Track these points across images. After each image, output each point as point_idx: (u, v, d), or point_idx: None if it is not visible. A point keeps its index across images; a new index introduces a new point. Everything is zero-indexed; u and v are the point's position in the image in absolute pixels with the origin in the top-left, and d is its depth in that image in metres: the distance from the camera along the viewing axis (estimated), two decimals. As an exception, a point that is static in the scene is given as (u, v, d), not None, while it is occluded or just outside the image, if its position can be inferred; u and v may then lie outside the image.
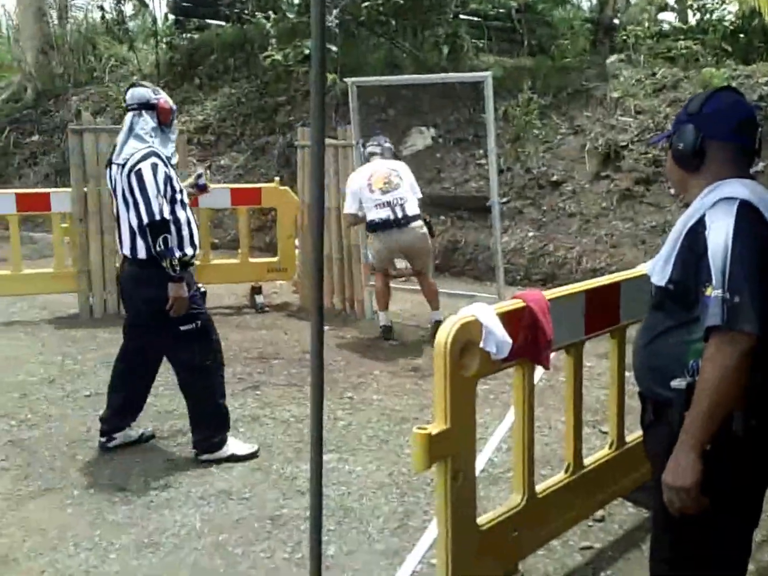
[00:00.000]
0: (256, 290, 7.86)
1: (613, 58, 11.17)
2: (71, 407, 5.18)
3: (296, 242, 7.91)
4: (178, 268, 4.16)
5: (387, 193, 6.41)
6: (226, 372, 5.74)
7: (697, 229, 2.15)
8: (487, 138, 6.95)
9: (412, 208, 6.44)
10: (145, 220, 4.15)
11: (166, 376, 4.88)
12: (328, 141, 7.49)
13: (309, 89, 12.57)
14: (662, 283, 2.25)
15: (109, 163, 4.39)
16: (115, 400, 4.57)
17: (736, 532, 2.24)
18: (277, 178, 8.34)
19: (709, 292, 2.06)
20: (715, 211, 2.13)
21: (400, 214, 6.37)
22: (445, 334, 2.58)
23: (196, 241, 4.41)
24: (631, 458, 3.43)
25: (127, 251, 4.32)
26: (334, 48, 10.53)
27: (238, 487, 4.11)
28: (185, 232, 4.29)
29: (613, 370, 3.48)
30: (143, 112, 4.28)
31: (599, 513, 3.69)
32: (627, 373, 3.51)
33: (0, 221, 8.65)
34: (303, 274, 7.66)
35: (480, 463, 4.20)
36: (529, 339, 2.85)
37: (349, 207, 6.59)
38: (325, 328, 7.05)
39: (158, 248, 4.13)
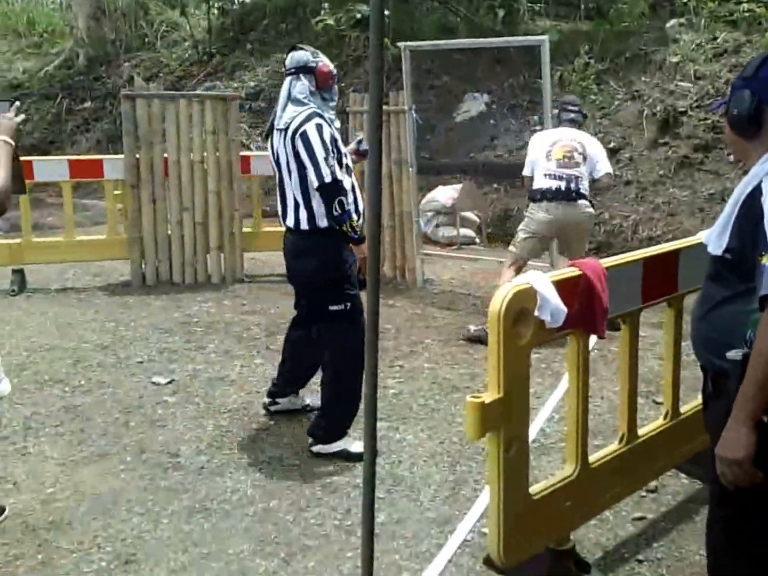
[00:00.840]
0: None
1: (672, 21, 10.84)
2: (124, 374, 5.24)
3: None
4: (358, 230, 3.97)
5: (563, 167, 5.85)
6: (277, 340, 5.81)
7: (755, 196, 2.07)
8: (543, 104, 6.80)
9: (585, 188, 5.93)
10: (316, 183, 3.91)
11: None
12: (380, 107, 7.41)
13: (360, 54, 12.54)
14: (719, 252, 2.17)
15: (270, 131, 4.18)
16: (284, 366, 4.54)
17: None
18: None
19: (765, 260, 1.99)
20: None
21: (572, 187, 5.83)
22: (499, 302, 2.54)
23: (361, 209, 4.13)
24: (685, 429, 3.37)
25: (290, 222, 4.08)
26: (386, 12, 10.40)
27: (288, 454, 4.12)
28: (350, 199, 4.02)
29: (669, 340, 3.40)
30: (301, 75, 4.08)
31: (652, 484, 3.63)
32: (683, 343, 3.44)
33: (54, 188, 8.75)
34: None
35: (532, 432, 4.15)
36: (585, 307, 2.78)
37: (526, 168, 6.13)
38: (376, 296, 7.08)
39: (335, 212, 3.89)
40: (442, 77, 11.10)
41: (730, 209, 2.16)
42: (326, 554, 3.26)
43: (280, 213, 4.18)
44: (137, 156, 7.16)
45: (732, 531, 2.23)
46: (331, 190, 3.90)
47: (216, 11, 13.97)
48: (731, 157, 8.44)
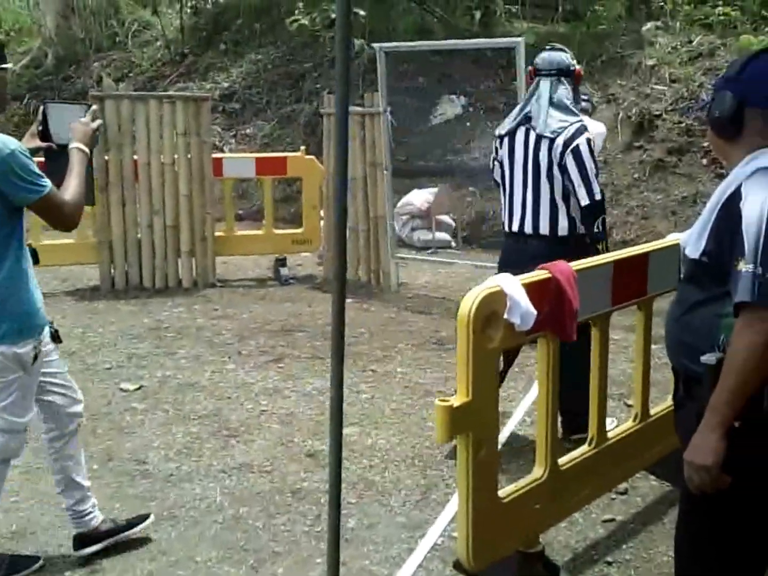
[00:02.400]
0: (281, 262, 7.80)
1: (649, 25, 10.88)
2: (92, 380, 5.15)
3: (321, 213, 7.82)
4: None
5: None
6: (249, 345, 5.77)
7: (734, 200, 2.05)
8: (518, 106, 6.77)
9: None
10: (586, 200, 3.87)
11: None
12: (354, 108, 7.38)
13: (336, 55, 12.43)
14: (696, 255, 2.15)
15: (515, 129, 4.06)
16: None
17: (759, 514, 2.15)
18: (303, 147, 8.25)
19: (740, 266, 1.97)
20: (752, 182, 2.03)
21: None
22: (468, 305, 2.52)
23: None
24: (655, 431, 3.37)
25: (545, 229, 3.99)
26: (362, 12, 10.38)
27: (259, 460, 4.07)
28: None
29: (639, 343, 3.40)
30: (562, 78, 3.95)
31: (622, 486, 3.63)
32: (653, 346, 3.44)
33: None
34: (328, 246, 7.59)
35: (504, 435, 4.15)
36: (554, 310, 2.77)
37: None
38: (349, 300, 7.03)
39: (596, 229, 3.90)
40: (418, 79, 11.08)
41: (708, 212, 2.14)
42: (295, 560, 3.23)
43: (512, 216, 4.08)
44: (106, 158, 7.05)
45: (699, 534, 2.22)
46: (599, 208, 3.91)
47: (189, 10, 13.83)
48: (704, 161, 8.50)
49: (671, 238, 3.36)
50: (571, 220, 3.97)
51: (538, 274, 2.81)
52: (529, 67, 4.13)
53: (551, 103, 3.94)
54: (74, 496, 3.23)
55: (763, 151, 2.09)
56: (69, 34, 14.09)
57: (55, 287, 7.37)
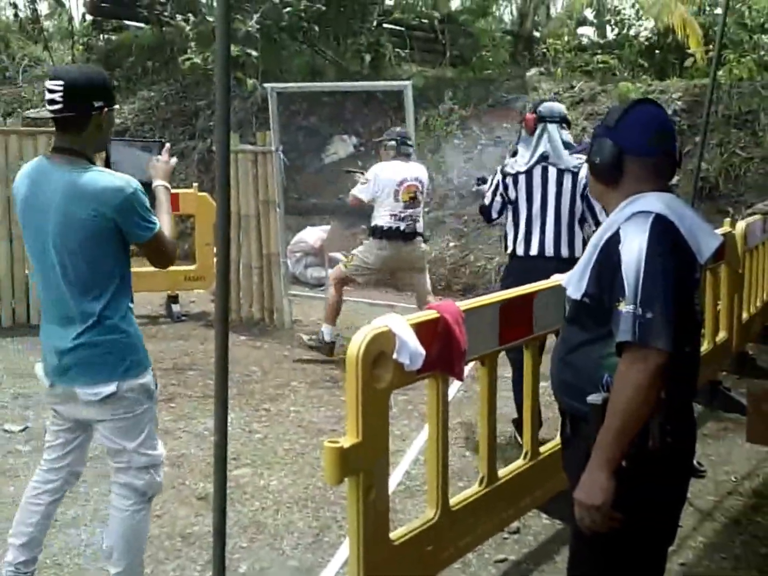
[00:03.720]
0: (173, 299, 7.68)
1: (533, 71, 11.32)
2: (-28, 422, 4.96)
3: (214, 250, 7.73)
4: None
5: (409, 208, 6.21)
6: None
7: (612, 243, 2.12)
8: (408, 147, 6.91)
9: (421, 226, 6.39)
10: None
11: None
12: (246, 147, 7.39)
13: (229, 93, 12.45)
14: (577, 296, 2.21)
15: (528, 171, 4.55)
16: None
17: (650, 550, 2.22)
18: (195, 184, 8.18)
19: (621, 306, 2.03)
20: (630, 225, 2.11)
21: (411, 228, 6.24)
22: (357, 345, 2.51)
23: None
24: (546, 469, 3.40)
25: (565, 252, 4.51)
26: (254, 53, 10.42)
27: (148, 504, 3.97)
28: None
29: (527, 381, 3.46)
30: (563, 124, 4.60)
31: (514, 525, 3.66)
32: (543, 384, 3.52)
33: None
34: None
35: (397, 475, 4.16)
36: (443, 350, 2.80)
37: (365, 193, 6.24)
38: (243, 338, 6.98)
39: None
40: (310, 118, 11.17)
41: (589, 254, 2.21)
42: (184, 608, 3.15)
43: (530, 241, 4.56)
44: (-7, 194, 6.85)
45: (591, 573, 2.26)
46: None
47: (81, 47, 13.64)
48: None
49: (556, 278, 3.46)
50: (584, 242, 4.45)
51: (426, 314, 2.83)
52: (528, 114, 4.65)
53: (564, 144, 4.54)
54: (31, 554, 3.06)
55: (640, 195, 2.17)
56: (-43, 68, 13.70)
57: (-64, 325, 7.07)
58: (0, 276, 6.96)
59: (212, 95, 11.74)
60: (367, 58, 11.71)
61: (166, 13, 12.59)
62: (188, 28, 11.37)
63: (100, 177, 2.75)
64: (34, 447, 4.59)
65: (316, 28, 11.53)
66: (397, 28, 12.54)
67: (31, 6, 13.93)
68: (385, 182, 6.17)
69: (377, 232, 6.20)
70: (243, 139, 8.39)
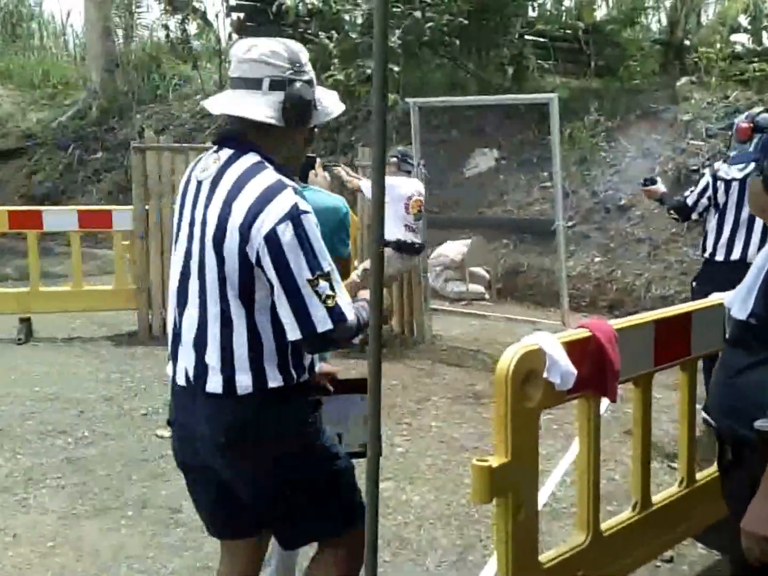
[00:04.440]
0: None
1: (683, 80, 10.93)
2: (128, 426, 5.18)
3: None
4: None
5: (418, 220, 6.64)
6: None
7: None
8: (553, 160, 6.82)
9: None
10: None
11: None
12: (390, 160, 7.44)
13: (370, 109, 12.58)
14: (743, 317, 2.11)
15: (743, 179, 4.59)
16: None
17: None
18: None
19: None
20: None
21: (420, 240, 6.74)
22: (506, 363, 2.47)
23: None
24: (702, 496, 3.25)
25: (752, 257, 4.78)
26: (396, 68, 10.51)
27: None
28: None
29: (683, 404, 3.31)
30: None
31: (668, 553, 3.52)
32: (698, 406, 3.37)
33: (63, 237, 8.77)
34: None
35: (542, 496, 4.06)
36: (595, 370, 2.72)
37: (368, 190, 6.19)
38: (383, 351, 7.02)
39: None
40: (451, 132, 11.17)
41: (755, 273, 2.11)
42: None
43: (733, 247, 4.67)
44: (146, 207, 7.17)
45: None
46: None
47: (227, 65, 14.14)
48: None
49: (715, 298, 3.31)
50: None
51: (577, 333, 2.76)
52: (744, 124, 4.67)
53: None
54: None
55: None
56: (113, 88, 14.48)
57: (94, 332, 7.45)
58: (153, 288, 7.26)
59: (354, 111, 11.95)
60: (510, 70, 11.62)
61: (309, 31, 12.88)
62: (332, 45, 11.60)
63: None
64: (184, 452, 4.75)
65: (458, 42, 11.53)
66: (540, 39, 12.37)
67: (181, 27, 14.54)
68: (399, 192, 6.47)
69: (396, 244, 6.48)
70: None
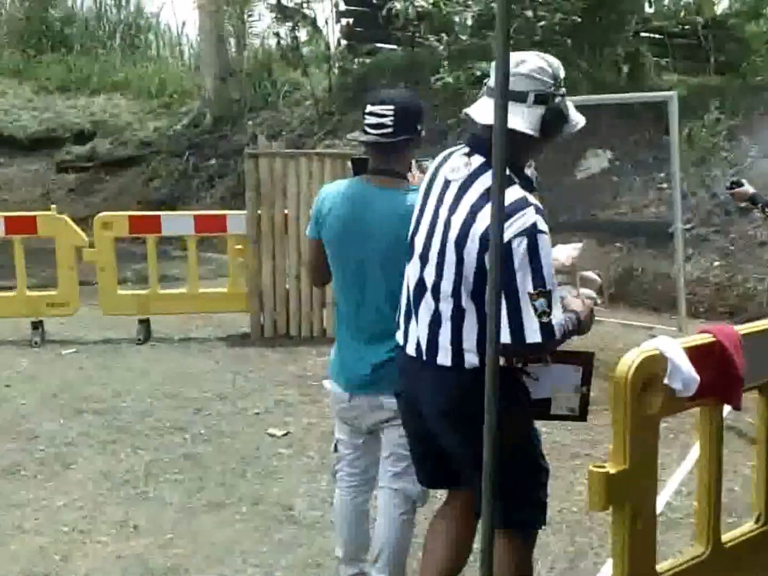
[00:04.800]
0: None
1: (814, 75, 10.46)
2: (242, 424, 5.31)
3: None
4: None
5: None
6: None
7: None
8: (671, 161, 6.63)
9: None
10: None
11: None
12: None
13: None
14: None
15: None
16: None
17: None
18: (54, 206, 7.76)
19: None
20: None
21: None
22: (626, 368, 2.41)
23: None
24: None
25: None
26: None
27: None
28: None
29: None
30: None
31: (794, 570, 3.36)
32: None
33: (179, 242, 9.04)
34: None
35: (659, 506, 3.94)
36: (718, 376, 2.63)
37: None
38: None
39: None
40: (562, 133, 11.00)
41: None
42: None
43: None
44: (259, 212, 7.31)
45: None
46: None
47: (336, 71, 14.30)
48: None
49: None
50: None
51: (700, 338, 2.68)
52: None
53: None
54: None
55: None
56: (226, 96, 14.80)
57: (209, 333, 7.64)
58: (265, 291, 7.38)
59: (462, 114, 11.89)
60: (625, 68, 11.35)
61: (419, 34, 12.89)
62: (441, 47, 11.57)
63: None
64: (295, 451, 4.86)
65: (569, 41, 11.33)
66: (657, 36, 12.03)
67: (291, 34, 14.75)
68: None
69: None
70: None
